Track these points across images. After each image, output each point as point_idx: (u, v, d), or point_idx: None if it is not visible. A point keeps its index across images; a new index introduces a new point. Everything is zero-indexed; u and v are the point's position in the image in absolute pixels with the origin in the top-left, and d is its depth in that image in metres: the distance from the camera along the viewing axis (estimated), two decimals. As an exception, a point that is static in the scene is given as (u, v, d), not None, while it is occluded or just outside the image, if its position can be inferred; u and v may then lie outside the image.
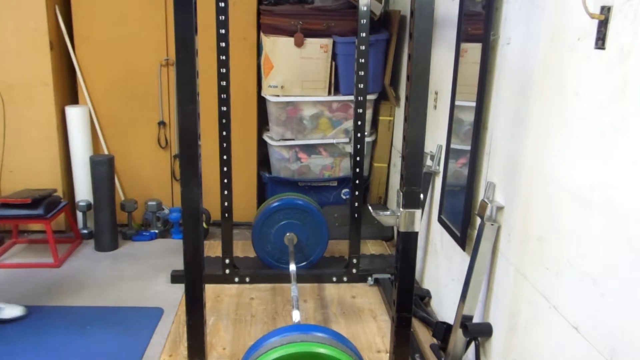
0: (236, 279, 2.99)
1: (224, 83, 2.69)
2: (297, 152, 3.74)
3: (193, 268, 1.60)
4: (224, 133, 2.75)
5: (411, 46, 1.47)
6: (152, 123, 3.71)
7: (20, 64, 3.43)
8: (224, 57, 2.68)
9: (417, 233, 1.59)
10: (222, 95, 2.70)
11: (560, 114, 1.55)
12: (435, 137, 2.74)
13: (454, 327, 2.11)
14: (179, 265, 1.81)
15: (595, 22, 1.36)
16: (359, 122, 2.83)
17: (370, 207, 1.79)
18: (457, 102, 2.35)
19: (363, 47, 2.70)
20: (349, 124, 3.58)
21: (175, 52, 1.43)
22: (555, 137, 1.58)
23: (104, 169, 3.42)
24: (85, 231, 3.65)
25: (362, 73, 2.74)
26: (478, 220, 2.04)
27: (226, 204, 2.86)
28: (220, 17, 2.64)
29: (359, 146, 2.87)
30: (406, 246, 1.60)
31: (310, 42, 3.45)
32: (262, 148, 3.86)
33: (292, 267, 2.65)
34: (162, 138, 3.74)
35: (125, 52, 3.57)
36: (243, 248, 3.39)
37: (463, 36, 2.28)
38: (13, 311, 2.61)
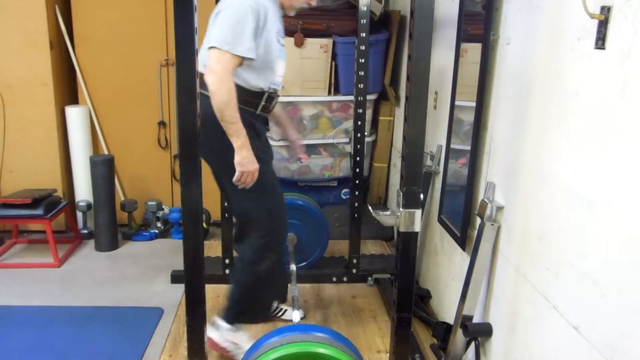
0: (236, 279, 2.99)
1: (224, 83, 2.69)
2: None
3: (193, 268, 1.60)
4: (224, 133, 2.75)
5: (411, 46, 1.47)
6: (152, 123, 3.71)
7: (20, 64, 3.43)
8: (224, 57, 2.68)
9: (417, 233, 1.59)
10: (222, 95, 2.69)
11: (560, 114, 1.55)
12: (435, 137, 2.74)
13: (454, 327, 2.11)
14: (179, 265, 1.81)
15: (595, 22, 1.35)
16: (359, 122, 2.83)
17: (370, 207, 1.78)
18: (457, 102, 2.35)
19: (363, 47, 2.70)
20: (349, 124, 3.57)
21: (175, 52, 1.42)
22: (555, 137, 1.58)
23: (104, 169, 3.42)
24: (85, 231, 3.65)
25: (362, 73, 2.74)
26: (478, 220, 2.04)
27: (226, 204, 2.86)
28: (220, 17, 2.64)
29: (359, 146, 2.87)
30: (406, 246, 1.60)
31: (310, 42, 3.45)
32: (262, 148, 3.86)
33: (292, 267, 2.65)
34: (162, 138, 3.74)
35: (125, 52, 3.57)
36: (243, 248, 3.39)
37: (463, 36, 2.28)
38: (295, 314, 2.32)
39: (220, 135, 2.01)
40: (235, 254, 2.96)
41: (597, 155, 1.37)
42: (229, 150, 2.01)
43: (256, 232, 2.21)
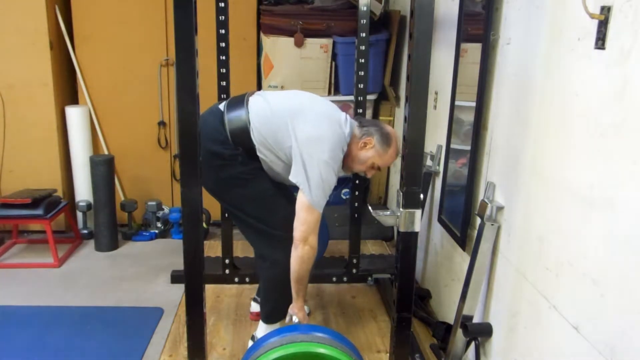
0: (236, 279, 2.99)
1: (224, 83, 2.69)
2: (297, 152, 3.74)
3: (193, 268, 1.60)
4: (224, 133, 2.75)
5: (411, 46, 1.47)
6: (152, 123, 3.71)
7: (20, 64, 3.43)
8: (224, 57, 2.68)
9: (417, 233, 1.59)
10: (222, 95, 2.69)
11: (560, 114, 1.55)
12: (435, 137, 2.74)
13: (454, 327, 2.11)
14: (179, 265, 1.81)
15: (595, 22, 1.36)
16: (359, 122, 2.83)
17: (370, 207, 1.79)
18: (457, 102, 2.35)
19: (363, 47, 2.70)
20: (349, 124, 3.57)
21: (175, 52, 1.42)
22: (555, 137, 1.58)
23: (104, 169, 3.42)
24: (85, 231, 3.65)
25: (362, 73, 2.74)
26: (478, 220, 2.04)
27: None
28: (220, 17, 2.64)
29: (359, 146, 2.86)
30: (406, 246, 1.60)
31: (310, 42, 3.45)
32: (262, 148, 3.85)
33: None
34: (162, 138, 3.74)
35: (125, 52, 3.57)
36: (243, 248, 3.38)
37: (463, 36, 2.28)
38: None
39: (226, 165, 2.09)
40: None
41: (597, 155, 1.37)
42: (240, 178, 2.10)
43: (274, 236, 2.19)
